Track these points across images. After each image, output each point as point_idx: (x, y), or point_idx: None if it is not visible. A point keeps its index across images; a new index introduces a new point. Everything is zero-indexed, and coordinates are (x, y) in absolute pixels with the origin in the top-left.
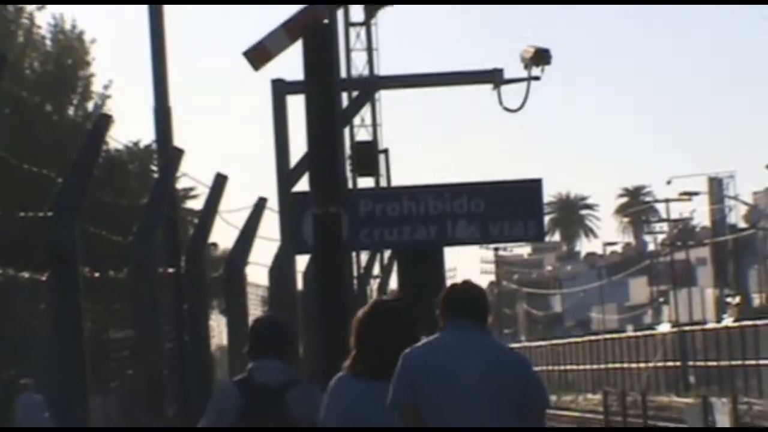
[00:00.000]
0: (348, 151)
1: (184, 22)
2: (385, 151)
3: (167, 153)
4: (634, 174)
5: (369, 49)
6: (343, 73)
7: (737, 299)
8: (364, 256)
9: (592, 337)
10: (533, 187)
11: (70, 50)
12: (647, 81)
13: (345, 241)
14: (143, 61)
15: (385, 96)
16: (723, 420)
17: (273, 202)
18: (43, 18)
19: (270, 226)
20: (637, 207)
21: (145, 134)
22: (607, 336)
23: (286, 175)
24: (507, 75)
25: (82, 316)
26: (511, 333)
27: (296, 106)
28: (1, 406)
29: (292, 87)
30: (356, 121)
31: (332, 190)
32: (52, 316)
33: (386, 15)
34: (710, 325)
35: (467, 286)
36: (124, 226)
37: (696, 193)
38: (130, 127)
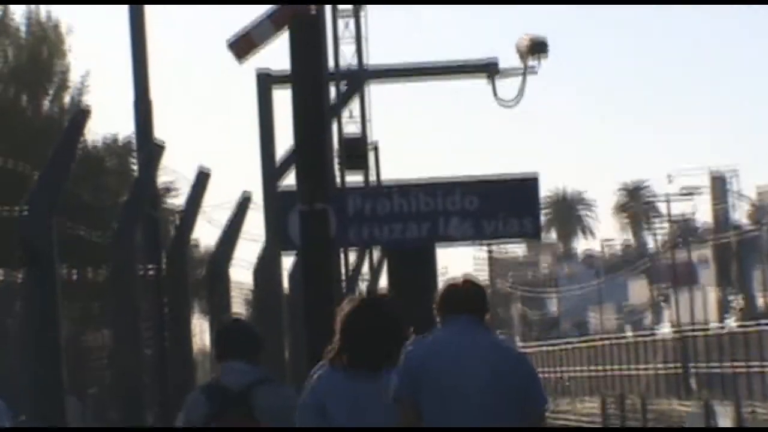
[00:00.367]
0: (336, 145)
1: (165, 11)
2: (375, 146)
3: (147, 148)
4: (633, 170)
5: (358, 40)
6: (331, 65)
7: (740, 301)
8: (353, 256)
9: (590, 340)
10: (529, 183)
11: (45, 40)
12: (647, 73)
13: (333, 239)
14: (122, 51)
15: (374, 88)
16: (726, 426)
17: (258, 199)
18: (17, 7)
19: (255, 224)
20: (636, 204)
21: (124, 127)
22: (606, 339)
23: (271, 171)
24: (502, 66)
25: (59, 318)
26: (506, 335)
27: (282, 98)
28: None
29: (278, 79)
30: (344, 114)
31: (319, 187)
32: (28, 318)
33: (376, 4)
34: (712, 327)
35: (467, 282)
36: (102, 225)
37: (698, 190)
38: (108, 120)
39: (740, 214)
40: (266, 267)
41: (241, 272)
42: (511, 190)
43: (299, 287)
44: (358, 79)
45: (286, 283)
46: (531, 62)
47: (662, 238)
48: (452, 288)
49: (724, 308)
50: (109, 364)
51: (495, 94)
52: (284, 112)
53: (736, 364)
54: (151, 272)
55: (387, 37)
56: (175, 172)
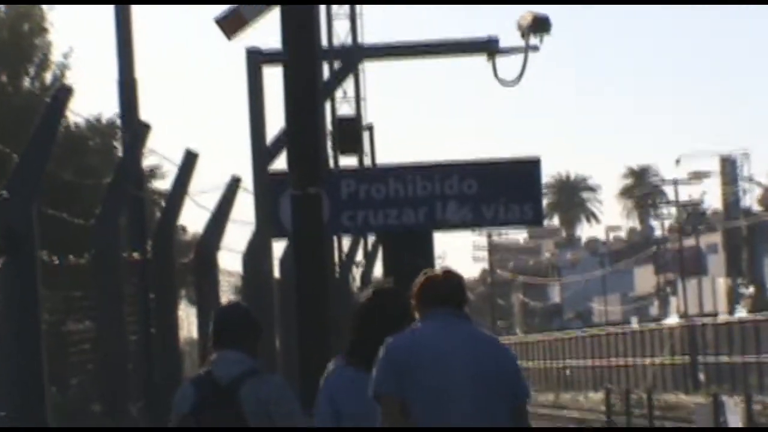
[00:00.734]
0: (329, 127)
1: None
2: (370, 127)
3: (132, 128)
4: (639, 153)
5: (352, 16)
6: (325, 43)
7: (751, 289)
8: (347, 241)
9: (594, 330)
10: (530, 166)
11: (26, 16)
12: (655, 52)
13: (326, 224)
14: (106, 27)
15: (369, 67)
16: (735, 420)
17: (248, 182)
18: None
19: (244, 208)
20: (643, 189)
21: (108, 107)
22: (610, 329)
23: (261, 153)
24: (503, 44)
25: (40, 306)
26: (506, 326)
27: (273, 77)
28: None
29: (269, 57)
30: (338, 94)
31: (312, 170)
32: (6, 305)
33: None
34: (722, 318)
35: (447, 272)
36: (85, 208)
37: (707, 174)
38: (91, 99)
39: (751, 199)
40: (256, 253)
41: (231, 258)
42: (512, 174)
43: (290, 274)
44: (353, 57)
45: (276, 270)
46: (533, 40)
47: (669, 223)
48: (432, 280)
49: (734, 298)
50: (91, 350)
51: (495, 73)
52: (275, 92)
53: (746, 355)
54: (136, 257)
55: (383, 13)
56: (161, 156)
